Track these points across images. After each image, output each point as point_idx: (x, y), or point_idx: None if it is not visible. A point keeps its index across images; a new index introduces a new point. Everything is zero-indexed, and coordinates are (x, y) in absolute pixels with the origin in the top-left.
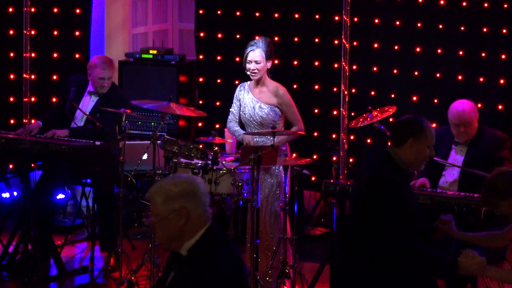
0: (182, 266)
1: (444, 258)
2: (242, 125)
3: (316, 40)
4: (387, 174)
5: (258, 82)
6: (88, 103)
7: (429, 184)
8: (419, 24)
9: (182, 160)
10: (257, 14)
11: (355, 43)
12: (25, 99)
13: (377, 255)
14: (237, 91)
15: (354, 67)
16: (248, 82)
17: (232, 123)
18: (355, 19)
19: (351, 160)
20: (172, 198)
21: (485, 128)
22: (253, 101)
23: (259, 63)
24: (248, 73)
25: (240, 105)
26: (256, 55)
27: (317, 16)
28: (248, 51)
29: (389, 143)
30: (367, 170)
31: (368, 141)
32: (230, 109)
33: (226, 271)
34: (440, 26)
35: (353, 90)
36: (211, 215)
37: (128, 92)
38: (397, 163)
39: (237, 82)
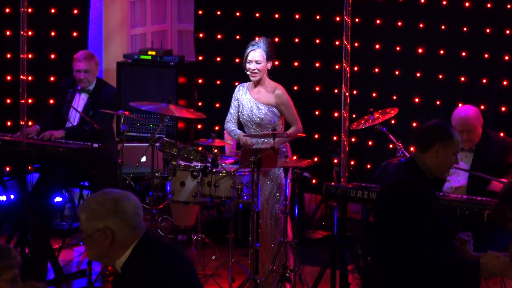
0: (117, 284)
1: (468, 262)
2: (240, 126)
3: (317, 41)
4: (410, 178)
5: (257, 83)
6: (79, 101)
7: None
8: (421, 25)
9: (181, 162)
10: (257, 15)
11: (356, 44)
12: (22, 101)
13: (400, 261)
14: (235, 92)
15: (356, 68)
16: (247, 83)
17: (230, 124)
18: (357, 20)
19: (352, 162)
20: (95, 217)
21: (490, 133)
22: (251, 101)
23: (260, 63)
24: (248, 73)
25: (238, 105)
26: (257, 55)
27: (318, 17)
28: (249, 51)
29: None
30: (390, 179)
31: (370, 143)
32: (229, 109)
33: (158, 283)
34: (443, 27)
35: (355, 92)
36: (143, 230)
37: (119, 90)
38: (422, 169)
39: (236, 84)
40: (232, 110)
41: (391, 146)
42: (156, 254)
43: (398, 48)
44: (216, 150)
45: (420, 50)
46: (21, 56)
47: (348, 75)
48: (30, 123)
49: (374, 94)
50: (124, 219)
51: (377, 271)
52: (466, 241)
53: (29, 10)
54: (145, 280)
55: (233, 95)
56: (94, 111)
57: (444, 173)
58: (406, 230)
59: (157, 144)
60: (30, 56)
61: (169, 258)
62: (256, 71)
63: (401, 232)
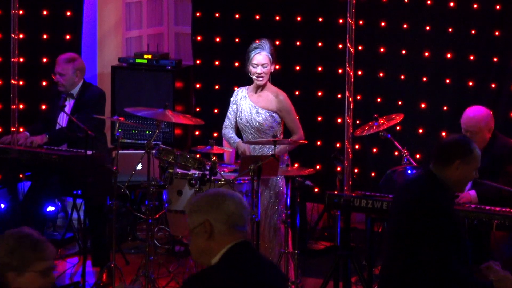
0: (201, 277)
1: (482, 283)
2: (238, 131)
3: (320, 44)
4: (436, 197)
5: (259, 87)
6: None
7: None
8: (427, 28)
9: (178, 170)
10: (257, 17)
11: (360, 48)
12: (13, 106)
13: (417, 276)
14: (234, 96)
15: (359, 72)
16: (247, 86)
17: (228, 129)
18: (360, 22)
19: (356, 170)
20: (198, 211)
21: (499, 136)
22: (250, 106)
23: (266, 66)
24: (254, 77)
25: (236, 110)
26: (262, 58)
27: (320, 19)
28: (254, 54)
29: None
30: (410, 192)
31: (374, 150)
32: (227, 114)
33: None
34: (450, 30)
35: (358, 97)
36: (244, 235)
37: (114, 95)
38: (442, 184)
39: (236, 88)
40: (230, 115)
41: (396, 153)
42: (249, 262)
43: (403, 52)
44: (214, 158)
45: (426, 54)
46: (12, 60)
47: (352, 79)
48: (21, 130)
49: (378, 99)
50: (224, 215)
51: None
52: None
53: (20, 12)
54: (226, 283)
55: (231, 99)
56: (78, 113)
57: (463, 188)
58: (428, 247)
59: (154, 151)
60: (21, 60)
61: (260, 270)
62: (262, 74)
63: (422, 249)
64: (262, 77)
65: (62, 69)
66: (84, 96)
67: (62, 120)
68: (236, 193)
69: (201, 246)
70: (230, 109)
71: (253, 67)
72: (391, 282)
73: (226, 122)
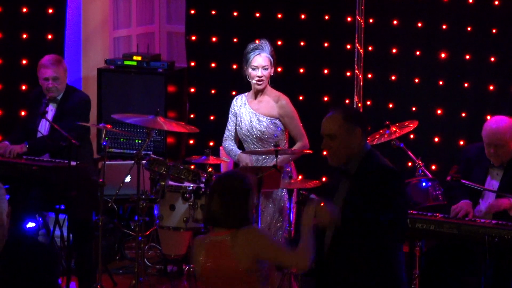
0: None
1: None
2: (240, 143)
3: (326, 44)
4: None
5: (258, 92)
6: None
7: (471, 210)
8: (444, 26)
9: (171, 183)
10: (257, 15)
11: (370, 48)
12: None
13: None
14: (232, 105)
15: (369, 75)
16: (246, 93)
17: (228, 142)
18: (370, 21)
19: None
20: None
21: None
22: (250, 113)
23: (267, 69)
24: (253, 81)
25: (236, 120)
26: (263, 60)
27: (326, 17)
28: (253, 56)
29: None
30: None
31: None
32: (226, 125)
33: None
34: (469, 29)
35: (368, 102)
36: None
37: (100, 100)
38: None
39: (234, 93)
40: (230, 126)
41: (409, 164)
42: None
43: (417, 53)
44: (210, 169)
45: (442, 55)
46: None
47: (361, 83)
48: None
49: (390, 105)
50: None
51: None
52: None
53: None
54: None
55: (230, 109)
56: (61, 120)
57: None
58: None
59: (144, 162)
60: None
61: None
62: (263, 78)
63: None
64: (262, 80)
65: (56, 72)
66: (68, 102)
67: (44, 127)
68: None
69: None
70: (229, 119)
71: (253, 69)
72: None
73: (226, 134)
